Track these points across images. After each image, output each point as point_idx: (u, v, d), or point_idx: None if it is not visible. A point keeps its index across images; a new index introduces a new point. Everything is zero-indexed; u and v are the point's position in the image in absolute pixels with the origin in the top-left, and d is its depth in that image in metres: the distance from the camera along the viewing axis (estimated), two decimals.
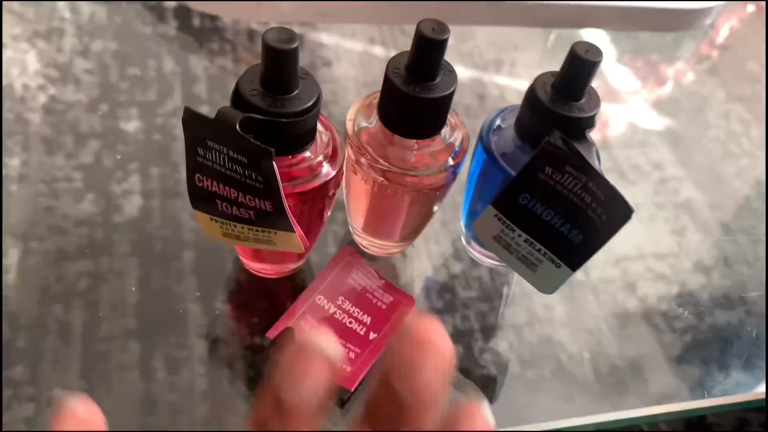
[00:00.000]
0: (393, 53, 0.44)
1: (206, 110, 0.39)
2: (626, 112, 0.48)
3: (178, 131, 0.38)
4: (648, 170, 0.44)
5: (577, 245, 0.26)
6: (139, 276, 0.32)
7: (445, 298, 0.34)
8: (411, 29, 0.47)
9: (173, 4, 0.44)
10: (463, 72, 0.46)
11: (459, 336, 0.33)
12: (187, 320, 0.31)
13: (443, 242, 0.37)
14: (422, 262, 0.35)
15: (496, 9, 0.43)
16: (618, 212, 0.24)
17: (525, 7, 0.43)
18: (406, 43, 0.47)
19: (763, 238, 0.41)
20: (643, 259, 0.39)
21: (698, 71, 0.53)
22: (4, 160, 0.34)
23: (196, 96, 0.40)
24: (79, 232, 0.33)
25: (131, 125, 0.37)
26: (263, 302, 0.32)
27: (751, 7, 0.60)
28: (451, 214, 0.38)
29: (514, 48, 0.49)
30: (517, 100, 0.46)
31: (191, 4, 0.42)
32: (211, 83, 0.41)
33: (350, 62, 0.45)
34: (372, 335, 0.31)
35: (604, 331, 0.35)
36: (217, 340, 0.30)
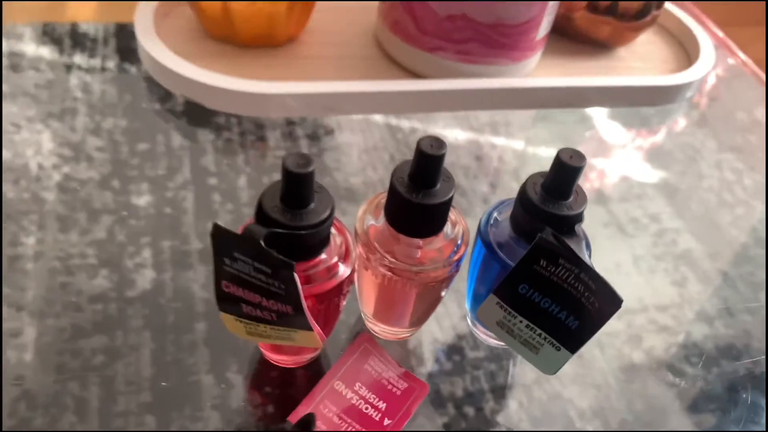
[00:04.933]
0: (391, 120, 0.45)
1: (214, 182, 0.40)
2: (621, 166, 0.49)
3: (188, 204, 0.39)
4: (646, 222, 0.45)
5: (574, 330, 0.28)
6: (153, 349, 0.32)
7: (454, 360, 0.35)
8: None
9: None
10: (460, 135, 0.48)
11: (469, 397, 0.33)
12: (200, 392, 0.31)
13: (451, 323, 0.37)
14: (432, 342, 0.36)
15: (480, 95, 0.46)
16: (608, 301, 0.26)
17: (505, 92, 0.45)
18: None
19: (764, 284, 0.42)
20: (646, 311, 0.39)
21: (688, 123, 0.55)
22: (21, 239, 0.35)
23: (204, 168, 0.41)
24: (94, 307, 0.33)
25: (142, 200, 0.39)
26: (276, 389, 0.33)
27: (731, 60, 0.62)
28: (456, 296, 0.38)
29: (508, 111, 0.51)
30: (512, 159, 0.48)
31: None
32: (218, 155, 0.42)
33: (351, 130, 0.46)
34: (386, 421, 0.32)
35: (612, 386, 0.35)
36: (230, 410, 0.31)
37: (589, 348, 0.37)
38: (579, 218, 0.29)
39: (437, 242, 0.31)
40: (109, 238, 0.37)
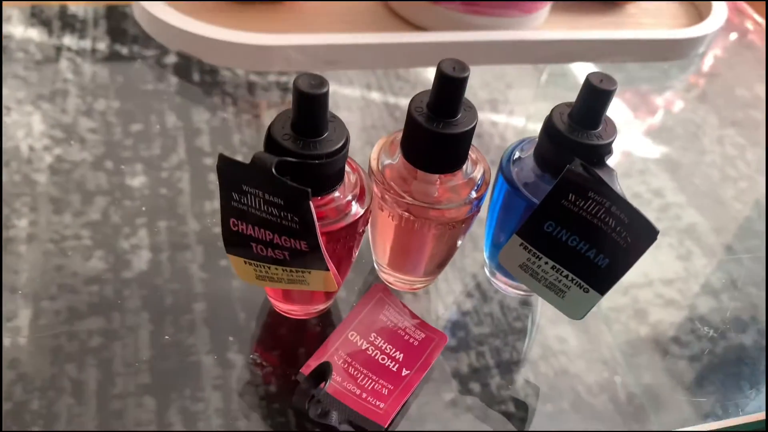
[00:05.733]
0: (389, 97, 0.45)
1: (210, 162, 0.40)
2: (622, 142, 0.49)
3: (183, 184, 0.38)
4: (649, 198, 0.44)
5: (604, 269, 0.27)
6: (151, 330, 0.32)
7: (458, 336, 0.34)
8: (405, 74, 0.49)
9: (173, 60, 0.45)
10: None
11: (475, 373, 0.33)
12: (201, 372, 0.31)
13: (465, 277, 0.37)
14: (445, 296, 0.36)
15: (486, 48, 0.45)
16: (643, 234, 0.25)
17: (514, 45, 0.45)
18: (401, 87, 0.48)
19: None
20: (651, 285, 0.39)
21: (688, 99, 0.54)
22: (13, 221, 0.35)
23: (199, 149, 0.40)
24: (90, 289, 0.33)
25: (137, 180, 0.38)
26: (284, 345, 0.32)
27: (733, 35, 0.62)
28: (470, 250, 0.38)
29: (507, 86, 0.50)
30: (514, 136, 0.47)
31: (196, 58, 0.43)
32: (213, 135, 0.41)
33: (348, 108, 0.46)
34: (405, 371, 0.31)
35: (619, 361, 0.35)
36: (231, 391, 0.30)
37: (596, 323, 0.36)
38: (609, 149, 0.27)
39: (456, 180, 0.29)
40: (104, 219, 0.36)
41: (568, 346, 0.35)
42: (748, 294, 0.39)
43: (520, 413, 0.32)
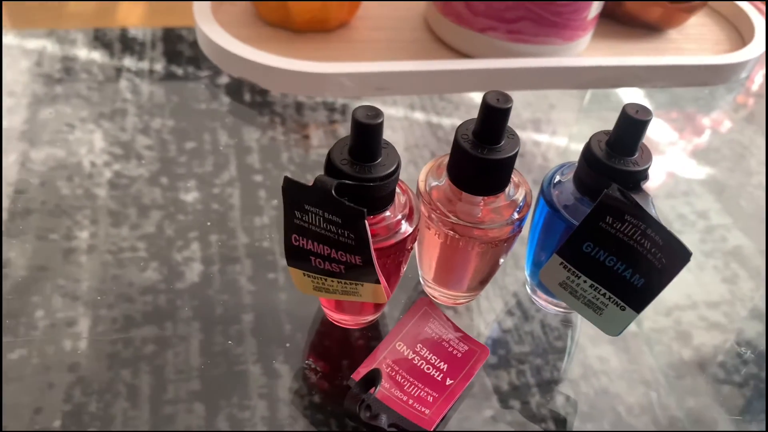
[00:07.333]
0: (432, 117, 0.46)
1: (260, 179, 0.41)
2: (667, 163, 0.48)
3: (234, 200, 0.40)
4: (693, 219, 0.44)
5: (640, 289, 0.28)
6: (201, 339, 0.33)
7: (499, 353, 0.35)
8: (447, 95, 0.50)
9: (226, 80, 0.47)
10: None
11: (515, 390, 0.33)
12: (248, 381, 0.32)
13: (506, 295, 0.37)
14: (486, 313, 0.37)
15: (529, 74, 0.46)
16: (677, 255, 0.26)
17: (556, 71, 0.45)
18: (444, 108, 0.49)
19: None
20: (695, 308, 0.39)
21: (735, 120, 0.53)
22: (76, 233, 0.37)
23: (250, 166, 0.42)
24: (144, 299, 0.34)
25: (190, 196, 0.40)
26: (334, 352, 0.33)
27: None
28: (512, 268, 0.38)
29: (550, 107, 0.51)
30: (556, 157, 0.48)
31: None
32: (263, 154, 0.43)
33: (392, 128, 0.47)
34: (449, 381, 0.32)
35: (661, 382, 0.35)
36: (278, 400, 0.31)
37: (637, 343, 0.36)
38: (645, 175, 0.28)
39: (498, 202, 0.30)
40: (158, 232, 0.37)
41: (609, 366, 0.35)
42: None
43: (559, 431, 0.32)
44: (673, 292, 0.39)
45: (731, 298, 0.39)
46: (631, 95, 0.53)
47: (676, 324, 0.38)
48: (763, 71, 0.59)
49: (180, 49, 0.50)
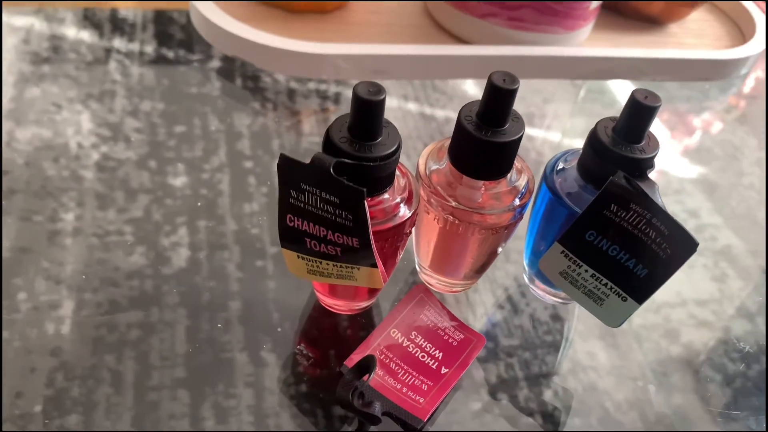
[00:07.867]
0: (426, 108, 0.45)
1: (250, 165, 0.40)
2: (659, 161, 0.48)
3: (224, 186, 0.39)
4: (684, 218, 0.44)
5: (643, 279, 0.27)
6: (187, 326, 0.32)
7: (488, 346, 0.34)
8: (442, 85, 0.49)
9: (217, 64, 0.46)
10: None
11: (503, 385, 0.33)
12: (234, 369, 0.31)
13: (500, 286, 0.37)
14: (482, 302, 0.36)
15: (527, 63, 0.45)
16: (682, 245, 0.25)
17: (555, 60, 0.45)
18: (437, 99, 0.48)
19: None
20: (684, 305, 0.39)
21: (728, 120, 0.54)
22: (61, 215, 0.36)
23: (240, 152, 0.41)
24: (130, 283, 0.34)
25: (179, 180, 0.39)
26: (326, 339, 0.33)
27: None
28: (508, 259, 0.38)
29: (544, 101, 0.50)
30: (550, 151, 0.47)
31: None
32: (253, 140, 0.42)
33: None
34: (444, 369, 0.32)
35: (649, 379, 0.35)
36: (264, 388, 0.31)
37: (626, 340, 0.36)
38: (651, 163, 0.28)
39: (500, 188, 0.30)
40: (146, 216, 0.37)
41: (597, 361, 0.35)
42: None
43: (547, 426, 0.32)
44: (662, 290, 0.38)
45: (720, 296, 0.40)
46: (628, 90, 0.52)
47: (665, 321, 0.38)
48: (756, 74, 0.59)
49: (171, 32, 0.49)
